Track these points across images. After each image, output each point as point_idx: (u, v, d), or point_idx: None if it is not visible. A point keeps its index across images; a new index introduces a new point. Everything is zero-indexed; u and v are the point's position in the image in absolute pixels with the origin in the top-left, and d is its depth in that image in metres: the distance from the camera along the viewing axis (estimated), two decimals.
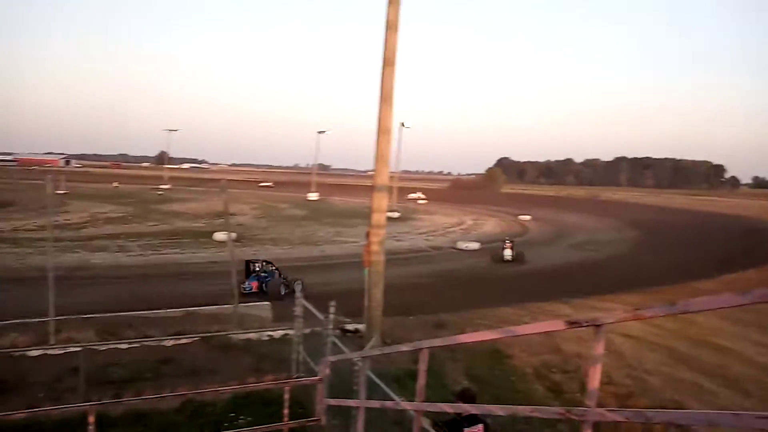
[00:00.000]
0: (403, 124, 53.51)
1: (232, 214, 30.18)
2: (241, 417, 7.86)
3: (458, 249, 30.08)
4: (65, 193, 57.25)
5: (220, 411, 8.03)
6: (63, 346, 10.37)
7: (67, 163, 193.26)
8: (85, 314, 12.08)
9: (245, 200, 60.44)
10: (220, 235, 28.76)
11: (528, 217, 52.72)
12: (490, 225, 46.50)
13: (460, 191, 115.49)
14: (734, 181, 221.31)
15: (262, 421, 7.62)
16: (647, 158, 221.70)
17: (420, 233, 38.25)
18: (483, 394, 9.13)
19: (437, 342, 4.70)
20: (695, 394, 10.16)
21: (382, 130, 11.34)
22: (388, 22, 11.11)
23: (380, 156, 11.41)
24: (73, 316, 11.67)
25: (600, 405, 2.74)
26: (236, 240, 26.95)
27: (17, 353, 10.05)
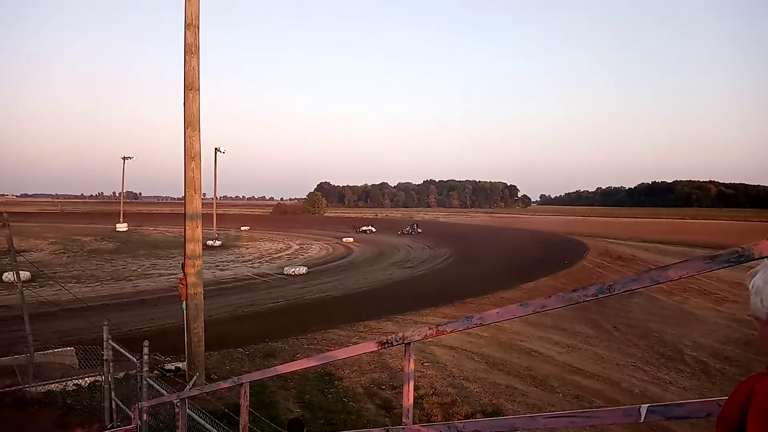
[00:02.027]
0: (218, 150, 51.98)
1: (21, 251, 26.58)
2: None
3: (286, 274, 29.83)
4: None
5: None
6: None
7: None
8: None
9: (41, 234, 53.51)
10: (9, 275, 25.09)
11: (351, 239, 54.30)
12: (316, 248, 46.93)
13: (284, 216, 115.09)
14: (526, 199, 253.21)
15: None
16: (452, 180, 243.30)
17: (245, 260, 37.25)
18: (316, 419, 9.17)
19: (257, 375, 4.61)
20: (510, 396, 11.25)
21: (190, 156, 10.88)
22: (186, 45, 10.77)
23: (190, 183, 10.93)
24: None
25: (426, 416, 2.93)
26: (30, 280, 23.72)
27: None
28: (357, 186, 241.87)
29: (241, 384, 4.17)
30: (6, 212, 11.94)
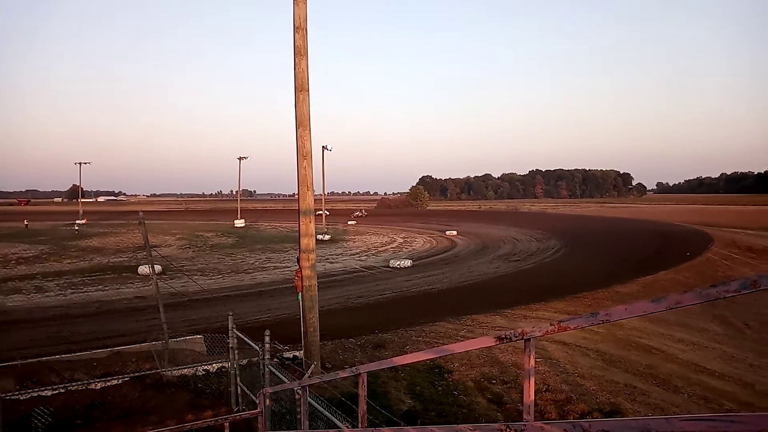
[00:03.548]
0: (325, 148, 53.70)
1: (154, 246, 29.14)
2: None
3: (392, 267, 30.33)
4: None
5: None
6: None
7: None
8: (2, 362, 11.27)
9: (169, 231, 58.34)
10: (144, 269, 27.66)
11: (454, 232, 53.99)
12: (420, 241, 47.20)
13: (388, 210, 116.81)
14: (641, 188, 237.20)
15: None
16: (560, 170, 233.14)
17: (352, 254, 38.28)
18: (428, 411, 9.27)
19: (374, 366, 4.73)
20: (629, 395, 10.71)
21: (302, 155, 11.37)
22: (296, 48, 11.22)
23: (303, 180, 11.41)
24: None
25: (540, 413, 2.87)
26: (162, 273, 25.96)
27: None
28: (459, 178, 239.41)
29: (359, 374, 4.32)
30: (142, 211, 13.17)
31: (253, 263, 33.35)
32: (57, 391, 9.95)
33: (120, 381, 10.35)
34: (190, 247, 43.23)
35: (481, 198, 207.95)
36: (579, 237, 47.72)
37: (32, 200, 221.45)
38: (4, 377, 10.55)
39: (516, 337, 2.87)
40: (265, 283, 26.24)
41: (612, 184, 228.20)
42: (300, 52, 11.20)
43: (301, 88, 11.17)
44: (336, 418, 6.13)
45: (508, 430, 2.97)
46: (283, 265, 32.12)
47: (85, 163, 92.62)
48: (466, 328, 15.72)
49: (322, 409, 6.17)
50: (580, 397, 10.39)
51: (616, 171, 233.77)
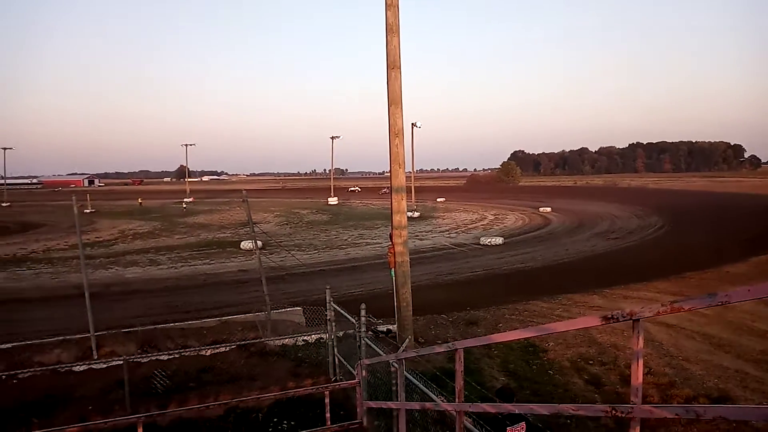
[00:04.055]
0: (415, 125, 53.53)
1: (256, 223, 30.54)
2: (284, 422, 8.03)
3: (482, 245, 30.01)
4: (92, 212, 58.48)
5: (264, 416, 8.19)
6: (106, 360, 10.66)
7: (91, 182, 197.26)
8: (125, 328, 12.42)
9: (268, 208, 61.04)
10: (246, 244, 29.22)
11: (548, 209, 52.34)
12: (512, 219, 46.23)
13: (478, 187, 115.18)
14: (754, 160, 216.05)
15: (304, 425, 7.78)
16: (662, 142, 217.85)
17: (442, 231, 38.21)
18: (522, 389, 9.19)
19: (471, 342, 4.74)
20: (740, 382, 10.02)
21: (394, 133, 11.43)
22: (387, 25, 11.21)
23: (395, 158, 11.50)
24: (113, 331, 12.01)
25: (643, 397, 2.76)
26: (262, 248, 27.30)
27: (63, 369, 10.36)
28: (553, 153, 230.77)
29: (456, 349, 4.37)
30: (245, 190, 13.89)
31: (346, 239, 34.19)
32: (172, 356, 10.84)
33: (227, 348, 11.10)
34: (287, 224, 45.00)
35: (577, 173, 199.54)
36: (683, 214, 44.76)
37: (145, 180, 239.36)
38: (128, 341, 11.63)
39: (624, 317, 2.77)
40: (357, 258, 26.84)
41: (721, 156, 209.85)
42: (392, 30, 11.21)
43: (393, 65, 11.21)
44: (431, 391, 6.24)
45: (613, 412, 2.90)
46: (375, 241, 32.68)
47: (191, 145, 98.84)
48: (561, 307, 15.34)
49: (417, 382, 6.30)
50: (685, 382, 9.87)
51: (726, 143, 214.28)
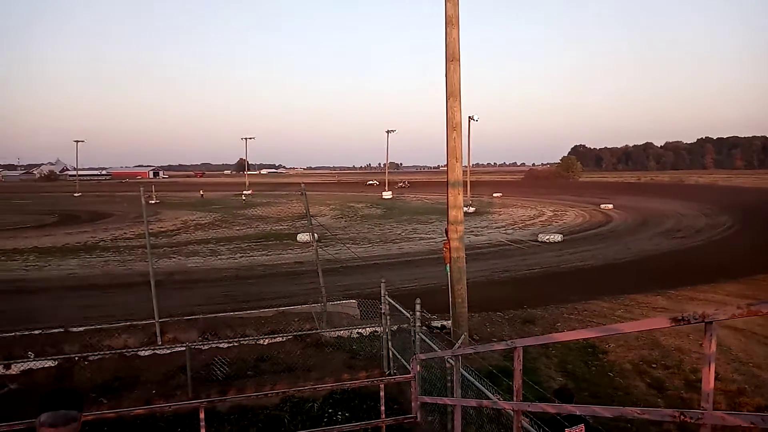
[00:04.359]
0: (472, 118, 52.86)
1: (312, 216, 31.04)
2: (339, 413, 8.12)
3: (540, 242, 29.39)
4: (157, 203, 60.93)
5: (319, 407, 8.31)
6: (169, 346, 11.08)
7: (156, 174, 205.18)
8: (187, 316, 12.87)
9: (323, 201, 61.90)
10: (303, 237, 29.75)
11: (610, 206, 50.68)
12: (571, 215, 45.06)
13: (536, 182, 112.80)
14: None
15: (359, 417, 7.84)
16: (734, 137, 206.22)
17: (498, 227, 37.68)
18: (580, 391, 8.95)
19: (531, 341, 4.63)
20: None
21: (452, 126, 11.30)
22: (447, 17, 11.07)
23: (452, 152, 11.36)
24: (176, 318, 12.47)
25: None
26: (318, 240, 27.70)
27: (130, 353, 10.84)
28: (616, 148, 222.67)
29: (515, 348, 4.28)
30: (303, 183, 14.10)
31: (399, 233, 34.24)
32: (231, 344, 11.15)
33: (284, 338, 11.32)
34: (342, 217, 45.50)
35: (641, 169, 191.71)
36: (755, 212, 42.40)
37: (206, 173, 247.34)
38: (189, 329, 12.05)
39: (696, 319, 2.62)
40: (411, 252, 26.84)
41: None
42: (451, 22, 11.07)
43: (451, 57, 11.08)
44: (487, 389, 6.15)
45: (682, 417, 2.76)
46: (428, 236, 32.58)
47: (250, 139, 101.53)
48: (622, 308, 14.83)
49: (473, 380, 6.23)
50: (756, 390, 9.35)
51: None
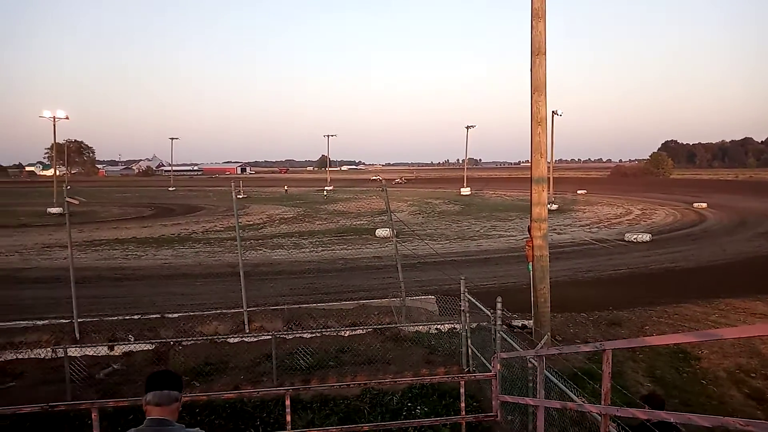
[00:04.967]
0: (555, 113, 51.23)
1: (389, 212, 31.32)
2: (418, 407, 8.20)
3: (627, 241, 28.13)
4: (244, 197, 63.60)
5: (398, 400, 8.43)
6: (256, 334, 11.61)
7: (243, 170, 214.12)
8: (273, 306, 13.41)
9: (401, 197, 62.21)
10: (381, 232, 30.09)
11: (704, 204, 47.61)
12: (661, 214, 42.74)
13: (623, 179, 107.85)
14: None
15: (437, 412, 7.90)
16: None
17: (582, 225, 36.39)
18: (670, 398, 8.56)
19: (621, 343, 4.48)
20: None
21: (536, 121, 11.06)
22: (533, 10, 10.84)
23: (536, 147, 11.12)
24: (262, 308, 13.02)
25: None
26: (396, 236, 27.92)
27: (220, 340, 11.45)
28: (711, 143, 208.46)
29: (603, 350, 4.17)
30: (383, 179, 14.27)
31: (478, 230, 33.86)
32: (314, 335, 11.52)
33: (364, 331, 11.56)
34: (419, 213, 45.56)
35: (739, 166, 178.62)
36: None
37: (290, 169, 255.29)
38: (275, 318, 12.54)
39: None
40: (490, 250, 26.47)
41: None
42: (537, 14, 10.84)
43: (537, 51, 10.85)
44: (570, 391, 6.02)
45: None
46: (508, 233, 32.00)
47: (332, 136, 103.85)
48: (717, 312, 13.95)
49: (556, 381, 6.12)
50: None
51: None
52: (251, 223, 38.57)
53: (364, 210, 48.63)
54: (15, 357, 10.99)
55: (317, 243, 28.60)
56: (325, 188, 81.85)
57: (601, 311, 14.13)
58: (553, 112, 51.08)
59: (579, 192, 68.22)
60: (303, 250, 26.56)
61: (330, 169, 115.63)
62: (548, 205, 43.86)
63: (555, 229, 33.07)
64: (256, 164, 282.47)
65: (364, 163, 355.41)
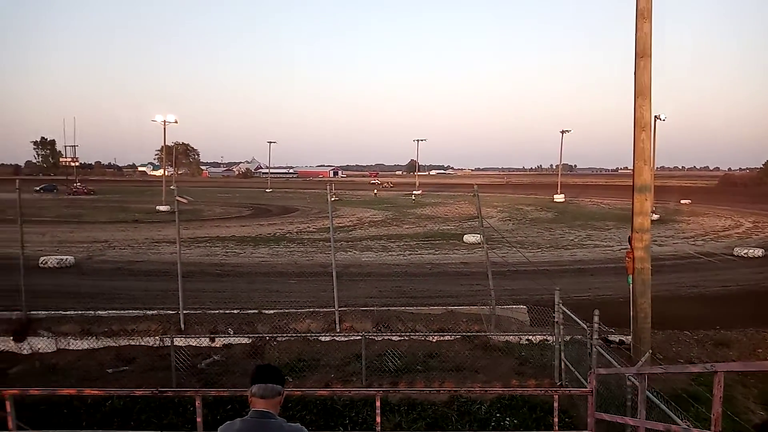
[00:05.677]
0: (658, 117, 48.40)
1: (476, 218, 30.98)
2: (507, 419, 8.04)
3: (736, 256, 26.07)
4: (336, 200, 65.29)
5: (486, 410, 8.31)
6: (346, 334, 11.87)
7: (335, 173, 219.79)
8: (362, 307, 13.65)
9: (491, 203, 61.27)
10: (469, 238, 29.80)
11: None
12: None
13: (733, 189, 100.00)
14: None
15: (527, 426, 7.71)
16: None
17: (686, 237, 34.14)
18: None
19: (737, 366, 4.20)
20: None
21: (640, 127, 10.52)
22: (638, 10, 10.33)
23: (639, 154, 10.57)
24: (352, 308, 13.30)
25: None
26: (485, 242, 27.53)
27: (312, 337, 11.81)
28: None
29: (715, 372, 3.91)
30: (476, 184, 14.16)
31: (572, 239, 32.67)
32: (402, 338, 11.61)
33: (452, 337, 11.49)
34: (510, 220, 44.66)
35: None
36: None
37: (379, 173, 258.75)
38: (364, 319, 12.76)
39: None
40: (584, 260, 25.46)
41: None
42: (642, 15, 10.35)
43: (642, 53, 10.35)
44: (673, 413, 5.69)
45: None
46: (605, 243, 30.63)
47: (422, 140, 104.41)
48: None
49: (658, 402, 5.80)
50: None
51: None
52: (342, 225, 39.50)
53: (452, 215, 48.37)
54: (128, 343, 11.93)
55: (405, 247, 28.78)
56: (414, 192, 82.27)
57: (706, 330, 13.19)
58: (655, 116, 48.37)
59: (682, 202, 64.04)
60: (391, 253, 26.83)
61: (419, 173, 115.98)
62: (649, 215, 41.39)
63: (656, 241, 31.20)
64: (347, 168, 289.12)
65: (452, 168, 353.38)
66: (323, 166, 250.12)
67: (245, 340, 11.86)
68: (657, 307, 12.65)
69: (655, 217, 43.40)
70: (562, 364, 9.47)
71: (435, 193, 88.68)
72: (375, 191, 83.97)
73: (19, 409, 6.08)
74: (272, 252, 26.86)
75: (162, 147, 71.54)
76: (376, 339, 11.54)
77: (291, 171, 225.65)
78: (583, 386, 7.51)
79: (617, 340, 11.55)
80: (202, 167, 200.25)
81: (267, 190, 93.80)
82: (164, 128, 59.24)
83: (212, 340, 12.03)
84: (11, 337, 12.01)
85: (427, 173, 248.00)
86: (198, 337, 11.86)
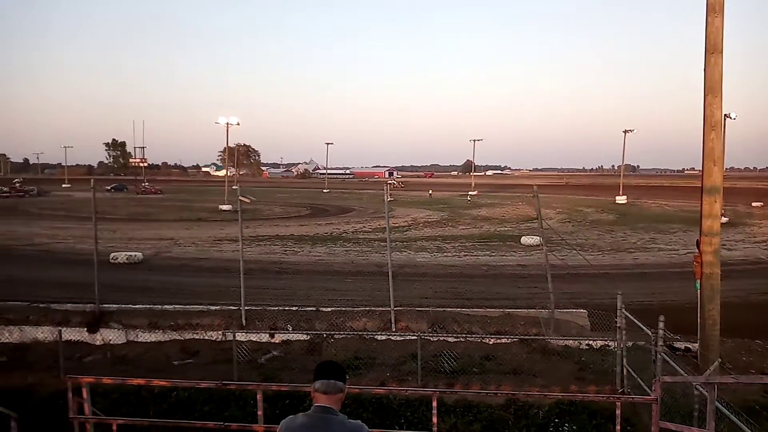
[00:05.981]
0: (728, 116, 46.01)
1: (535, 219, 30.44)
2: (566, 425, 7.89)
3: None
4: (391, 200, 65.59)
5: (544, 415, 8.17)
6: (402, 333, 11.95)
7: (390, 174, 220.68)
8: (417, 307, 13.69)
9: (549, 204, 59.98)
10: (527, 239, 29.26)
11: None
12: None
13: None
14: None
15: None
16: None
17: (757, 241, 32.39)
18: None
19: None
20: None
21: (710, 126, 10.08)
22: (709, 4, 9.90)
23: (709, 154, 10.12)
24: (408, 308, 13.36)
25: None
26: (541, 244, 26.97)
27: (368, 336, 11.95)
28: None
29: None
30: (536, 185, 13.93)
31: (634, 242, 31.55)
32: (458, 339, 11.57)
33: (509, 340, 11.37)
34: (569, 221, 43.61)
35: None
36: None
37: (435, 173, 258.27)
38: (420, 319, 12.80)
39: None
40: (647, 264, 24.57)
41: None
42: (714, 9, 9.92)
43: (713, 49, 9.92)
44: (747, 426, 5.44)
45: None
46: (669, 247, 29.43)
47: (478, 140, 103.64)
48: None
49: (728, 413, 5.56)
50: None
51: None
52: (397, 225, 39.63)
53: (508, 216, 47.67)
54: (192, 337, 12.42)
55: (460, 248, 28.58)
56: (469, 193, 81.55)
57: None
58: (725, 115, 46.07)
59: (754, 204, 60.66)
60: (446, 253, 26.72)
61: (475, 174, 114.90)
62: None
63: (725, 245, 29.63)
64: (402, 168, 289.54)
65: (510, 168, 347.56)
66: (378, 166, 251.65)
67: (303, 337, 12.12)
68: (726, 313, 12.08)
69: (725, 220, 41.28)
70: (624, 370, 9.20)
71: (491, 193, 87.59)
72: (430, 192, 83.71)
73: (93, 396, 6.46)
74: (329, 251, 27.27)
75: (225, 148, 73.86)
76: (431, 339, 11.55)
77: (347, 171, 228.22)
78: (646, 394, 7.28)
79: (683, 348, 11.12)
80: (263, 168, 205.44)
81: (324, 191, 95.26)
82: (227, 130, 61.13)
83: (272, 336, 12.36)
84: (85, 329, 12.75)
85: (483, 173, 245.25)
86: (258, 333, 12.21)
